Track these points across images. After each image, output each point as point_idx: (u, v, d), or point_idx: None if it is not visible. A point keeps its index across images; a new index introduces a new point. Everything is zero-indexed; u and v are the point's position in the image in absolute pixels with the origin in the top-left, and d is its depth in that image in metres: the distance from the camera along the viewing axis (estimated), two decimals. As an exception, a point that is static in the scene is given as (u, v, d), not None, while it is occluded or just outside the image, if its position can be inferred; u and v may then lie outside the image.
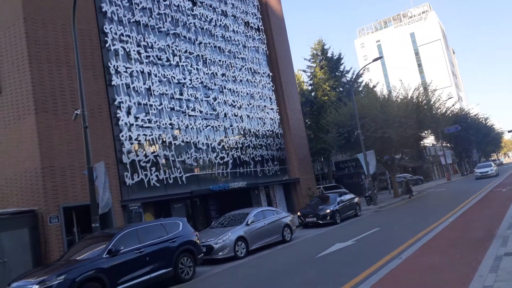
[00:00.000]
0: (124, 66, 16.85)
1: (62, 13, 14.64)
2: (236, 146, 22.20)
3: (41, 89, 13.56)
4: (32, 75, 13.36)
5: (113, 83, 16.23)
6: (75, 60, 10.87)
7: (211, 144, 20.49)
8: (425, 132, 30.50)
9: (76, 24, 11.02)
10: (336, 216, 17.73)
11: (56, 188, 13.32)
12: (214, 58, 22.15)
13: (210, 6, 23.09)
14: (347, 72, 38.65)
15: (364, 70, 37.68)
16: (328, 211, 17.70)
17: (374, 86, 39.12)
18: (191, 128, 19.55)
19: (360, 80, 38.66)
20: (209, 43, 22.13)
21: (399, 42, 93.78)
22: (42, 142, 13.24)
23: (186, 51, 20.36)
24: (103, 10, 16.60)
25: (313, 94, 37.80)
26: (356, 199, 20.41)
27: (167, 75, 18.85)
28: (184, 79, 19.83)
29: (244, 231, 12.86)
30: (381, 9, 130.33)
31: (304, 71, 39.70)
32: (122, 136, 16.07)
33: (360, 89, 37.38)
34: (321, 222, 17.49)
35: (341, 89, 37.33)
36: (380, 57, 27.45)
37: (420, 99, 28.18)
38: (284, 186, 25.78)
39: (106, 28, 16.44)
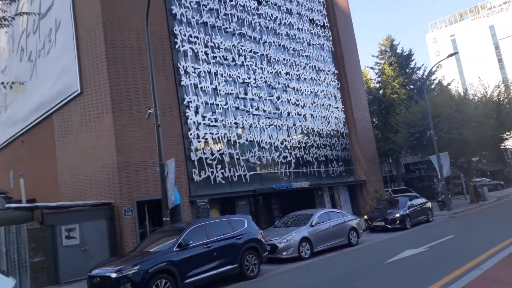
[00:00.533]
0: (192, 66, 17.40)
1: (136, 17, 15.47)
2: (299, 146, 21.98)
3: (117, 89, 14.44)
4: (109, 76, 14.28)
5: (182, 83, 16.83)
6: (148, 62, 11.40)
7: (274, 143, 20.48)
8: (507, 133, 27.88)
9: (149, 27, 11.55)
10: (406, 221, 16.82)
11: (130, 182, 14.12)
12: (278, 57, 22.11)
13: (275, 4, 23.07)
14: (418, 69, 36.63)
15: (437, 66, 35.38)
16: (397, 215, 16.86)
17: (448, 84, 36.59)
18: (254, 127, 19.70)
19: (432, 77, 36.44)
20: (274, 42, 22.13)
21: (476, 36, 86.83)
22: (118, 139, 14.10)
23: (251, 51, 20.54)
24: (173, 12, 17.28)
25: (381, 92, 36.34)
26: (428, 204, 19.23)
27: (232, 75, 19.16)
28: (249, 78, 20.02)
29: (309, 232, 12.64)
30: (456, 1, 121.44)
31: (371, 68, 38.32)
32: (191, 134, 16.61)
33: (433, 87, 35.22)
34: (389, 226, 16.70)
35: (411, 86, 35.47)
36: (455, 53, 25.55)
37: (501, 98, 25.82)
38: (349, 188, 25.04)
39: (176, 30, 17.10)
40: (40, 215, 12.86)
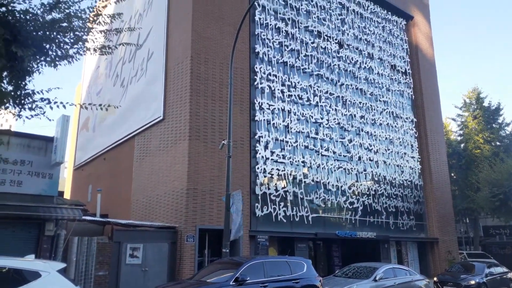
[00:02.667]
0: (267, 103, 17.80)
1: (222, 52, 16.38)
2: (368, 193, 21.06)
3: (196, 119, 15.17)
4: (191, 106, 15.10)
5: (256, 118, 17.23)
6: (229, 96, 11.87)
7: (341, 186, 19.87)
8: None
9: (233, 64, 12.12)
10: (483, 291, 15.06)
11: (195, 209, 14.47)
12: (354, 100, 21.83)
13: (357, 48, 23.07)
14: (507, 125, 33.83)
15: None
16: (472, 282, 15.18)
17: (542, 143, 33.23)
18: (322, 168, 19.33)
19: (523, 134, 33.38)
20: (351, 85, 21.96)
21: None
22: (191, 166, 14.65)
23: (327, 92, 20.56)
24: (256, 51, 18.01)
25: (462, 145, 33.99)
26: (510, 274, 17.13)
27: (305, 114, 19.23)
28: (322, 118, 19.93)
29: (371, 287, 11.80)
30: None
31: (453, 119, 36.20)
32: (258, 168, 16.76)
33: (523, 145, 32.20)
34: (463, 293, 15.06)
35: (498, 143, 32.76)
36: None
37: None
38: (419, 245, 23.22)
39: (256, 68, 17.75)
40: (110, 231, 13.59)
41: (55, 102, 8.06)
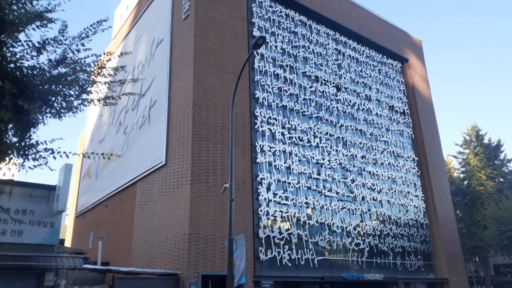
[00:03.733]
0: (268, 145, 18.01)
1: (223, 99, 16.82)
2: (373, 233, 20.73)
3: (198, 163, 15.32)
4: (192, 151, 15.30)
5: (257, 160, 17.37)
6: (230, 140, 12.07)
7: (346, 227, 19.60)
8: None
9: (234, 110, 12.43)
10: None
11: (198, 255, 14.24)
12: (354, 140, 22.05)
13: (354, 91, 23.63)
14: (509, 161, 33.83)
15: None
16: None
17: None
18: (326, 209, 19.19)
19: (526, 170, 33.27)
20: (351, 126, 22.28)
21: None
22: (193, 210, 14.60)
23: (327, 133, 20.82)
24: (256, 96, 18.49)
25: (465, 183, 33.80)
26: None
27: (306, 155, 19.38)
28: (323, 159, 20.05)
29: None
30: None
31: (454, 157, 36.26)
32: (261, 211, 16.65)
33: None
34: None
35: (501, 179, 32.60)
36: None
37: None
38: (429, 286, 22.50)
39: (257, 112, 18.13)
40: (111, 279, 13.33)
41: (58, 152, 8.23)
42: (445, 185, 25.74)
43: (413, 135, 25.95)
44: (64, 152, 8.07)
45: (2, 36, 7.41)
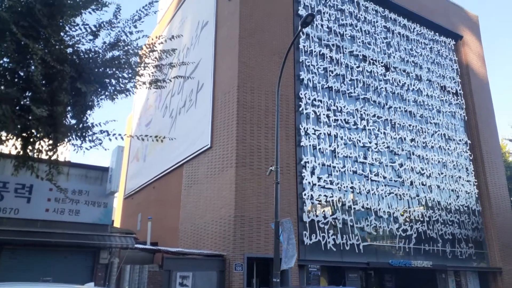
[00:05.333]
0: (313, 128, 17.66)
1: (267, 81, 16.60)
2: (421, 219, 20.00)
3: (243, 146, 15.31)
4: (237, 134, 15.29)
5: (301, 143, 17.11)
6: (276, 123, 11.88)
7: (393, 213, 19.03)
8: None
9: (281, 92, 12.21)
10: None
11: (243, 237, 14.36)
12: (403, 123, 21.17)
13: (404, 71, 22.57)
14: None
15: None
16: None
17: None
18: (372, 194, 18.68)
19: None
20: (400, 108, 21.37)
21: None
22: (238, 193, 14.68)
23: (374, 115, 20.11)
24: (301, 77, 18.10)
25: (522, 168, 31.76)
26: None
27: (352, 138, 18.86)
28: (370, 143, 19.44)
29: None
30: None
31: (510, 140, 34.06)
32: (305, 195, 16.48)
33: None
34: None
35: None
36: None
37: None
38: (480, 275, 21.53)
39: (301, 94, 17.78)
40: (161, 259, 13.77)
41: (114, 134, 8.46)
42: (500, 170, 24.27)
43: (466, 117, 24.54)
44: (119, 134, 8.29)
45: (61, 20, 7.60)
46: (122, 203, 29.54)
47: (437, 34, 25.19)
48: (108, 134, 8.35)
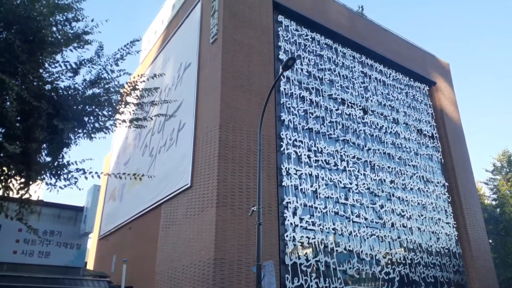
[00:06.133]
0: (294, 168, 17.67)
1: (249, 121, 16.72)
2: (403, 262, 19.79)
3: (224, 185, 15.10)
4: (218, 173, 15.12)
5: (283, 183, 17.02)
6: (257, 162, 11.84)
7: (375, 255, 18.79)
8: None
9: (262, 132, 12.26)
10: None
11: (223, 281, 13.81)
12: (382, 165, 21.46)
13: (381, 114, 23.20)
14: (544, 187, 32.28)
15: None
16: None
17: None
18: (354, 236, 18.49)
19: None
20: (378, 150, 21.74)
21: None
22: (218, 234, 14.28)
23: (354, 157, 20.35)
24: (282, 118, 18.34)
25: (498, 210, 32.35)
26: None
27: (333, 179, 18.91)
28: (350, 183, 19.51)
29: None
30: None
31: (485, 183, 34.90)
32: (287, 236, 16.17)
33: None
34: None
35: (536, 207, 31.03)
36: None
37: None
38: (464, 320, 21.19)
39: (282, 134, 17.93)
40: (136, 304, 13.03)
41: (90, 172, 8.20)
42: (478, 213, 24.60)
43: (442, 160, 25.12)
44: (96, 173, 8.02)
45: (41, 57, 7.54)
46: (96, 244, 28.31)
47: (412, 79, 26.26)
48: (85, 173, 8.07)
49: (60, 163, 8.29)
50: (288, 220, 16.50)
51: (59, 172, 8.22)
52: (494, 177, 34.26)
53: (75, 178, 8.18)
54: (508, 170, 33.54)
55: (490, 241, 30.71)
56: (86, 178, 7.98)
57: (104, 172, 10.03)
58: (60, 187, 8.35)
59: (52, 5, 7.50)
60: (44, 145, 8.22)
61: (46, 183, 8.45)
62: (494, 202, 33.71)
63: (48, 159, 8.36)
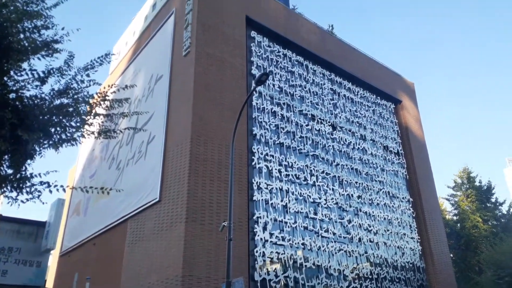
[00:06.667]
0: (265, 183, 17.69)
1: (220, 134, 16.64)
2: (370, 277, 20.07)
3: (194, 200, 14.85)
4: (189, 187, 14.88)
5: (254, 198, 16.97)
6: (229, 177, 11.76)
7: (343, 270, 18.96)
8: None
9: (234, 146, 12.22)
10: None
11: (191, 299, 13.46)
12: (350, 180, 21.86)
13: (349, 130, 23.74)
14: (501, 204, 33.91)
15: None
16: None
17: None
18: (323, 251, 18.62)
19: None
20: (346, 165, 22.17)
21: None
22: (187, 251, 13.96)
23: (323, 172, 20.64)
24: (254, 133, 18.39)
25: (458, 225, 33.59)
26: None
27: (303, 193, 19.06)
28: (319, 198, 19.72)
29: None
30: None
31: (447, 199, 36.24)
32: (257, 251, 16.05)
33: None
34: None
35: (494, 222, 32.48)
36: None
37: None
38: (428, 334, 21.62)
39: (254, 148, 17.95)
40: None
41: (55, 186, 7.83)
42: (440, 227, 25.43)
43: (407, 176, 25.91)
44: (62, 186, 7.67)
45: (6, 64, 7.22)
46: (57, 261, 26.94)
47: (378, 97, 27.12)
48: (49, 186, 7.71)
49: (23, 175, 7.89)
50: (258, 235, 16.40)
51: (21, 185, 7.81)
52: (455, 193, 35.64)
53: (39, 191, 7.79)
54: (468, 186, 35.00)
55: (452, 255, 31.75)
56: (50, 191, 7.62)
57: (70, 186, 9.62)
58: (22, 201, 7.92)
59: (20, 12, 7.23)
60: (6, 156, 7.82)
61: (6, 197, 8.00)
62: (455, 218, 34.99)
63: (10, 171, 7.94)
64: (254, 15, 21.04)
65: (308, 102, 22.03)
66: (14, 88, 7.74)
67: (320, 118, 22.22)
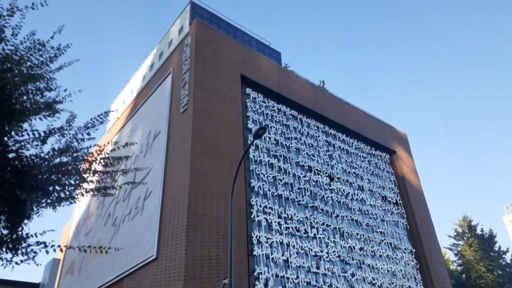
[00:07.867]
0: (265, 236, 17.36)
1: (218, 188, 16.59)
2: (378, 334, 19.10)
3: (192, 256, 14.47)
4: (187, 243, 14.56)
5: (254, 253, 16.56)
6: (229, 231, 11.56)
7: (349, 328, 18.08)
8: None
9: (234, 200, 12.15)
10: None
11: None
12: (351, 231, 21.51)
13: (347, 181, 23.76)
14: (504, 253, 33.19)
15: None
16: None
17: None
18: (328, 308, 17.86)
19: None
20: (346, 216, 21.92)
21: None
22: (185, 311, 13.36)
23: (323, 223, 20.35)
24: (252, 185, 18.35)
25: (463, 275, 32.57)
26: None
27: (304, 247, 18.65)
28: (321, 251, 19.27)
29: None
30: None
31: (449, 249, 35.44)
32: (258, 311, 15.38)
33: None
34: None
35: (499, 272, 31.57)
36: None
37: None
38: None
39: (252, 201, 17.83)
40: None
41: (52, 246, 7.65)
42: (445, 278, 24.66)
43: (408, 226, 25.56)
44: (59, 246, 7.48)
45: (7, 125, 7.34)
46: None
47: (373, 148, 27.45)
48: (46, 246, 7.51)
49: (19, 235, 7.72)
50: (259, 293, 15.80)
51: (16, 245, 7.61)
52: (457, 242, 34.93)
53: (35, 252, 7.58)
54: (469, 235, 34.40)
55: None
56: (47, 252, 7.43)
57: (65, 244, 9.39)
58: (16, 263, 7.69)
59: (25, 75, 7.49)
60: (2, 216, 7.70)
61: (1, 259, 7.77)
62: (459, 268, 34.01)
63: (5, 231, 7.78)
64: (248, 73, 21.87)
65: (304, 154, 22.25)
66: (14, 148, 7.81)
67: (317, 169, 22.32)
